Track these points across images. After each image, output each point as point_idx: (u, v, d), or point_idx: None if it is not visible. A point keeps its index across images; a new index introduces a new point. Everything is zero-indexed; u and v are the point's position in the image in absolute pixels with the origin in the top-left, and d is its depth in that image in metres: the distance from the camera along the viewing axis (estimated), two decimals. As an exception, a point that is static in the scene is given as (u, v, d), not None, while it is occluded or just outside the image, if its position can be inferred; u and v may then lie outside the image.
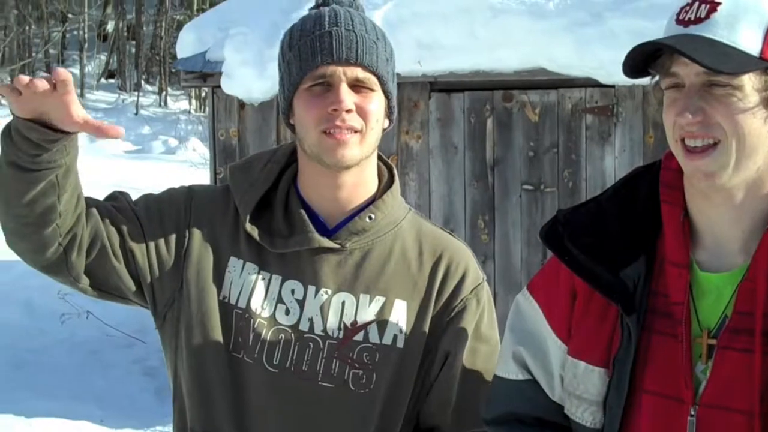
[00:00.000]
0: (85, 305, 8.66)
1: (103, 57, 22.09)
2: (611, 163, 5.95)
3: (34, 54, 19.51)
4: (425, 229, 1.99)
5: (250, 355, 1.86)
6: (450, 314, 1.91)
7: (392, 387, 1.87)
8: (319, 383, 1.86)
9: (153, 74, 22.02)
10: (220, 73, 6.26)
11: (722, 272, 1.57)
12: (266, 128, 6.44)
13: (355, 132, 1.83)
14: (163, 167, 16.23)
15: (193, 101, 20.52)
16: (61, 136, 1.74)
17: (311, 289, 1.88)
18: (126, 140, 18.16)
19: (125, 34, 21.73)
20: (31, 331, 8.48)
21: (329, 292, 1.88)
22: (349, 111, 1.81)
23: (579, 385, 1.65)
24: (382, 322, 1.88)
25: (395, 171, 2.01)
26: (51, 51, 20.76)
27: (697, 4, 1.53)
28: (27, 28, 20.45)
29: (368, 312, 1.88)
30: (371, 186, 1.95)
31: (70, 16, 21.86)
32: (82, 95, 19.88)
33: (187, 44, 6.67)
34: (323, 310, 1.87)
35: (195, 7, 20.40)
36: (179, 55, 6.75)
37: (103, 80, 21.49)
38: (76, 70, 20.76)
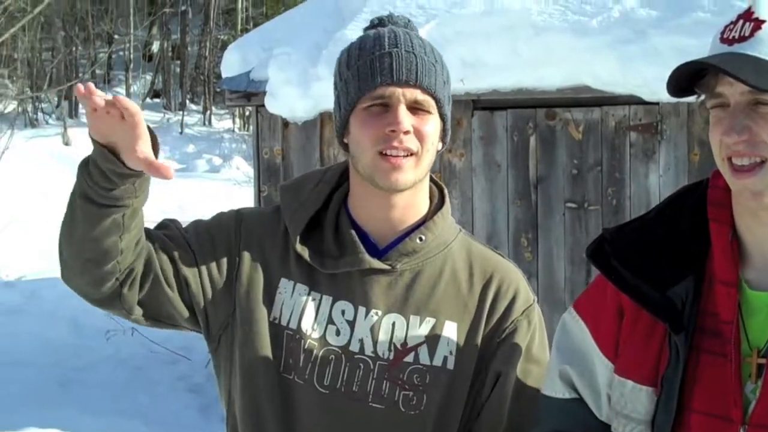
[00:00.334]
0: (130, 323, 8.73)
1: (149, 77, 22.35)
2: (655, 181, 5.91)
3: (80, 74, 19.75)
4: (475, 250, 1.98)
5: (301, 376, 1.86)
6: (501, 335, 1.89)
7: (442, 409, 1.86)
8: (370, 404, 1.85)
9: (197, 93, 22.23)
10: (264, 93, 6.31)
11: (772, 291, 1.55)
12: (310, 147, 6.47)
13: (411, 155, 1.82)
14: (207, 185, 16.35)
15: (237, 120, 20.68)
16: (132, 173, 1.75)
17: (362, 310, 1.88)
18: (171, 159, 18.32)
19: (170, 54, 21.96)
20: (76, 349, 8.56)
21: (380, 313, 1.87)
22: (406, 132, 1.80)
23: (627, 404, 1.63)
24: (432, 344, 1.86)
25: (446, 191, 2.00)
26: (97, 71, 21.02)
27: (741, 22, 1.53)
28: (74, 49, 20.72)
29: (418, 333, 1.87)
30: (423, 207, 1.94)
31: (116, 36, 22.13)
32: (127, 115, 20.06)
33: (231, 64, 6.73)
34: (373, 332, 1.87)
35: (239, 27, 20.57)
36: (224, 75, 6.81)
37: (148, 100, 21.71)
38: (122, 90, 21.01)
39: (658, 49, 5.50)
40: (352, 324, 1.87)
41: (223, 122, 21.17)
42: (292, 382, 1.87)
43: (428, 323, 1.88)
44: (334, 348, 1.87)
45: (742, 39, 1.51)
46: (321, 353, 1.87)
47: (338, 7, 6.49)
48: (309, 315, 1.88)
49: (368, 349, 1.86)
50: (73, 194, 1.81)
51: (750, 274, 1.58)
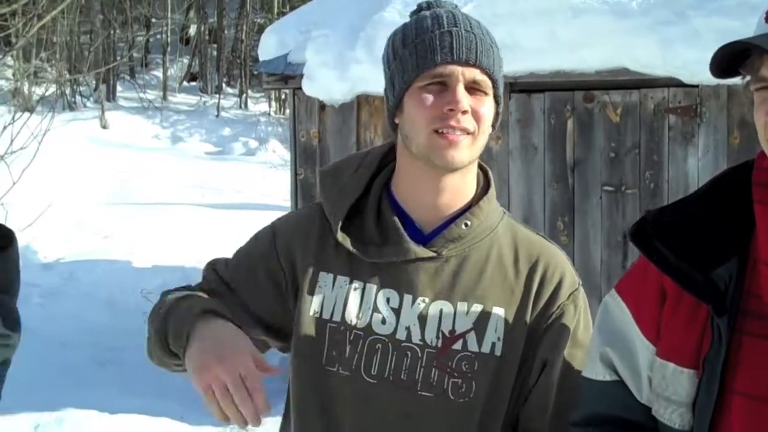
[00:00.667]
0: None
1: (186, 60, 22.42)
2: (694, 165, 5.86)
3: (118, 58, 19.86)
4: (520, 234, 1.95)
5: (347, 367, 1.86)
6: (547, 321, 1.87)
7: (491, 395, 1.84)
8: (419, 393, 1.84)
9: (234, 77, 22.28)
10: (301, 75, 6.32)
11: (817, 272, 1.53)
12: (346, 129, 6.48)
13: (468, 134, 1.80)
14: (243, 168, 16.41)
15: (273, 103, 20.70)
16: None
17: (407, 297, 1.86)
18: (207, 142, 18.40)
19: (207, 37, 22.01)
20: (113, 330, 8.64)
21: (427, 300, 1.85)
22: (464, 112, 1.78)
23: (668, 386, 1.62)
24: (480, 330, 1.84)
25: (491, 175, 1.98)
26: (135, 55, 21.12)
27: (789, 1, 1.51)
28: (112, 32, 20.83)
29: (466, 320, 1.85)
30: (470, 191, 1.92)
31: (153, 20, 22.23)
32: (164, 98, 20.21)
33: (268, 47, 6.74)
34: (421, 319, 1.85)
35: (276, 10, 20.58)
36: (261, 58, 6.82)
37: (185, 83, 21.80)
38: (159, 74, 21.11)
39: (698, 30, 5.44)
40: (397, 312, 1.86)
41: (259, 105, 21.21)
42: (335, 374, 1.86)
43: (476, 309, 1.86)
44: (380, 337, 1.85)
45: (789, 19, 1.49)
46: (367, 343, 1.85)
47: (375, -10, 6.47)
48: (353, 305, 1.87)
49: (416, 337, 1.84)
50: (151, 329, 1.90)
51: (795, 256, 1.56)
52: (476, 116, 1.80)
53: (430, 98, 1.79)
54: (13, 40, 11.45)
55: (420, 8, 1.91)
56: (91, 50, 19.28)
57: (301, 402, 1.91)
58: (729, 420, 1.56)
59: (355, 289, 1.88)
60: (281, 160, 15.94)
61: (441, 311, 1.85)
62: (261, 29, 16.93)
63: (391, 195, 1.93)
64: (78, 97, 19.07)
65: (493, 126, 1.89)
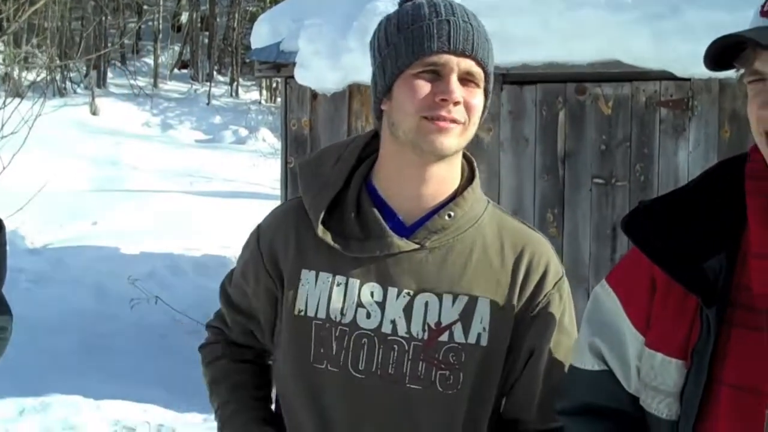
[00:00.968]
0: (153, 290, 8.79)
1: (177, 48, 22.35)
2: (684, 158, 5.86)
3: (109, 45, 19.78)
4: (506, 223, 1.93)
5: (335, 363, 1.84)
6: (534, 310, 1.86)
7: (478, 385, 1.84)
8: (407, 386, 1.82)
9: (225, 65, 22.23)
10: (294, 64, 6.30)
11: (807, 265, 1.53)
12: (338, 119, 6.46)
13: (458, 124, 1.78)
14: (233, 157, 16.40)
15: (264, 92, 20.68)
16: None
17: (392, 290, 1.84)
18: (197, 130, 18.37)
19: (199, 25, 21.95)
20: (101, 316, 8.62)
21: (411, 292, 1.84)
22: (456, 103, 1.76)
23: (656, 376, 1.62)
24: (466, 321, 1.83)
25: (475, 165, 1.96)
26: (126, 41, 21.05)
27: (783, -6, 1.50)
28: (103, 18, 20.75)
29: (452, 312, 1.83)
30: (455, 181, 1.89)
31: (145, 7, 22.15)
32: (155, 85, 20.15)
33: (261, 35, 6.72)
34: (406, 312, 1.83)
35: (267, -2, 20.54)
36: (253, 46, 6.80)
37: (176, 70, 21.74)
38: (150, 61, 21.05)
39: (692, 24, 5.43)
40: (382, 305, 1.84)
41: (249, 94, 21.18)
42: (324, 371, 1.85)
43: (461, 301, 1.84)
44: (366, 331, 1.84)
45: (784, 12, 1.49)
46: (353, 338, 1.84)
47: (369, -21, 6.45)
48: (336, 301, 1.85)
49: (401, 330, 1.83)
50: (217, 409, 2.09)
51: (786, 248, 1.56)
52: (468, 107, 1.78)
53: (422, 86, 1.77)
54: (5, 25, 11.38)
55: None
56: (83, 36, 19.21)
57: (292, 401, 1.91)
58: (716, 410, 1.56)
59: (338, 284, 1.86)
60: (271, 148, 15.93)
61: (426, 303, 1.83)
62: (253, 17, 16.89)
63: (372, 187, 1.90)
64: (68, 83, 19.01)
65: (481, 119, 1.86)
